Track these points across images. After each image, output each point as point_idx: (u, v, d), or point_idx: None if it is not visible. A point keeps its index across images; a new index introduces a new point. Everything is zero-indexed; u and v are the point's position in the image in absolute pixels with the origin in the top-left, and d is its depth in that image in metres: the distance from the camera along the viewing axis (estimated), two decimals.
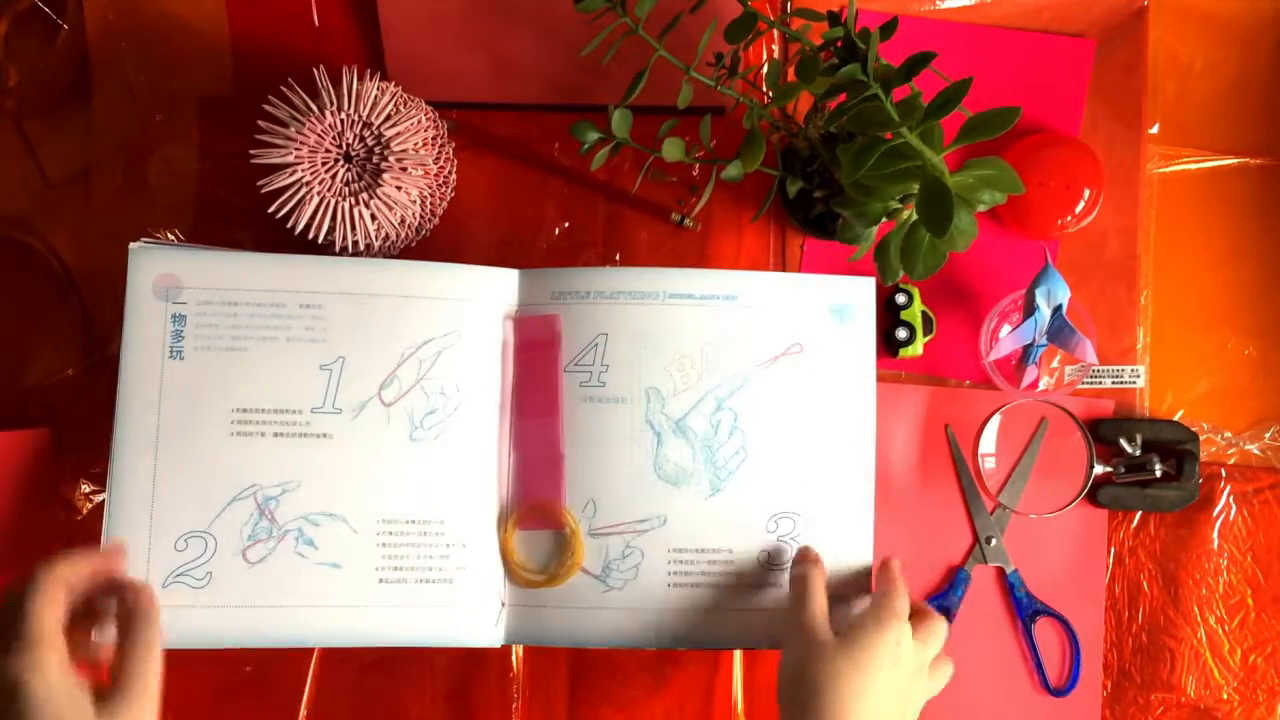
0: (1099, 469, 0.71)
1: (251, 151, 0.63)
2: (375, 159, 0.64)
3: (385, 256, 0.68)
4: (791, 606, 0.61)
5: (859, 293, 0.66)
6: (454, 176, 0.72)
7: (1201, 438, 0.73)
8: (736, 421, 0.64)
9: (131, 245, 0.61)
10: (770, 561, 0.64)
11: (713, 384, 0.64)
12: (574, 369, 0.64)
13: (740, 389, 0.64)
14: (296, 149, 0.63)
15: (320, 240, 0.64)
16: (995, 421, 0.73)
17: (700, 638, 0.64)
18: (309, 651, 0.71)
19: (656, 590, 0.63)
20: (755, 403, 0.64)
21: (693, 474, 0.64)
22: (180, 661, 0.70)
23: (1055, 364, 0.74)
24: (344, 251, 0.65)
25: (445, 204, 0.71)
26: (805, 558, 0.63)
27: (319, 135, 0.63)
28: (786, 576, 0.64)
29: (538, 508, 0.64)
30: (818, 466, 0.65)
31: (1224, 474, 0.74)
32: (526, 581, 0.63)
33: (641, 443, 0.64)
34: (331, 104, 0.63)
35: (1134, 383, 0.74)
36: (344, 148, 0.64)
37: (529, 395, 0.64)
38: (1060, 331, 0.69)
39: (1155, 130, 0.75)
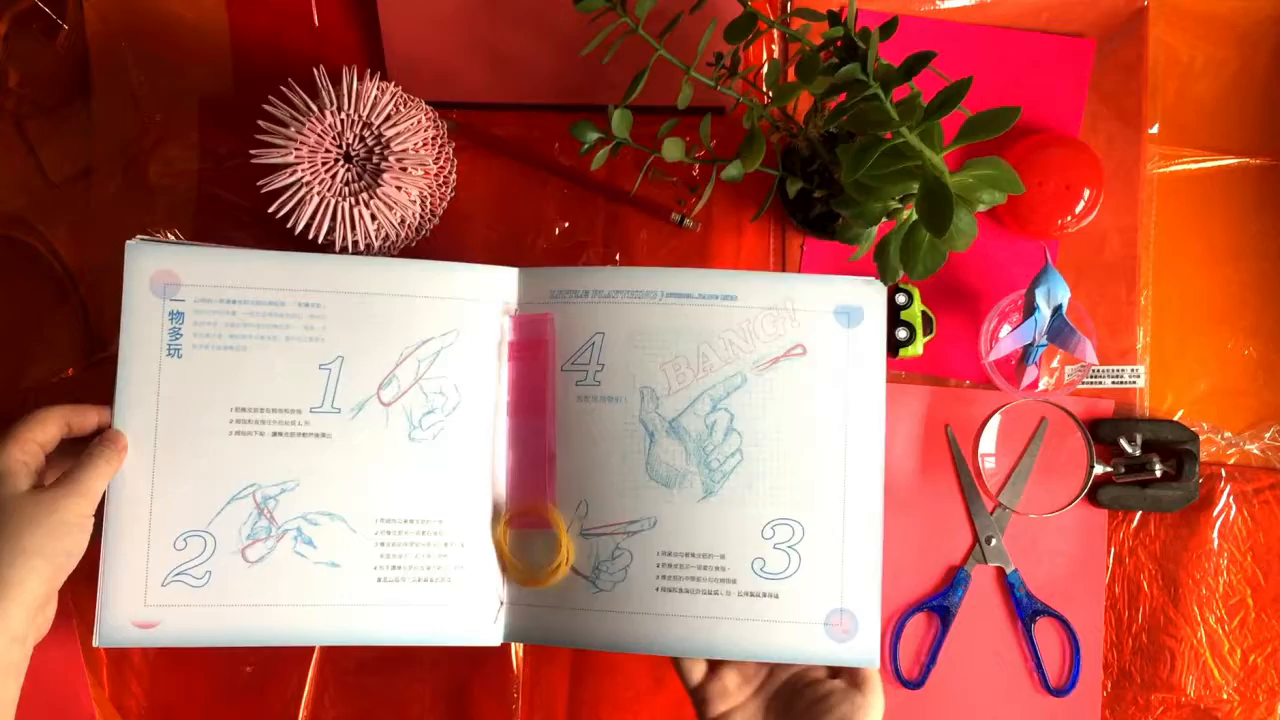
0: (1099, 469, 0.71)
1: (251, 151, 0.63)
2: (375, 159, 0.64)
3: (385, 256, 0.68)
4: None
5: (867, 295, 0.63)
6: (454, 176, 0.72)
7: (1201, 438, 0.73)
8: (733, 423, 0.63)
9: (129, 242, 0.61)
10: (765, 571, 0.62)
11: (709, 384, 0.63)
12: (570, 368, 0.64)
13: (738, 390, 0.63)
14: (296, 149, 0.63)
15: (320, 240, 0.64)
16: (995, 421, 0.73)
17: (687, 647, 0.61)
18: (309, 651, 0.71)
19: (644, 594, 0.62)
20: (754, 405, 0.63)
21: (685, 475, 0.62)
22: (180, 661, 0.71)
23: (1055, 364, 0.74)
24: (344, 251, 0.65)
25: (445, 204, 0.71)
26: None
27: (319, 135, 0.63)
28: (782, 588, 0.62)
29: (528, 507, 0.63)
30: (821, 475, 0.62)
31: (1224, 474, 0.74)
32: (519, 580, 0.63)
33: (635, 442, 0.63)
34: (331, 104, 0.63)
35: (1134, 383, 0.74)
36: (344, 148, 0.64)
37: (522, 394, 0.64)
38: (1060, 331, 0.69)
39: (1155, 130, 0.75)
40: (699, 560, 0.62)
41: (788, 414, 0.63)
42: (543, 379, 0.64)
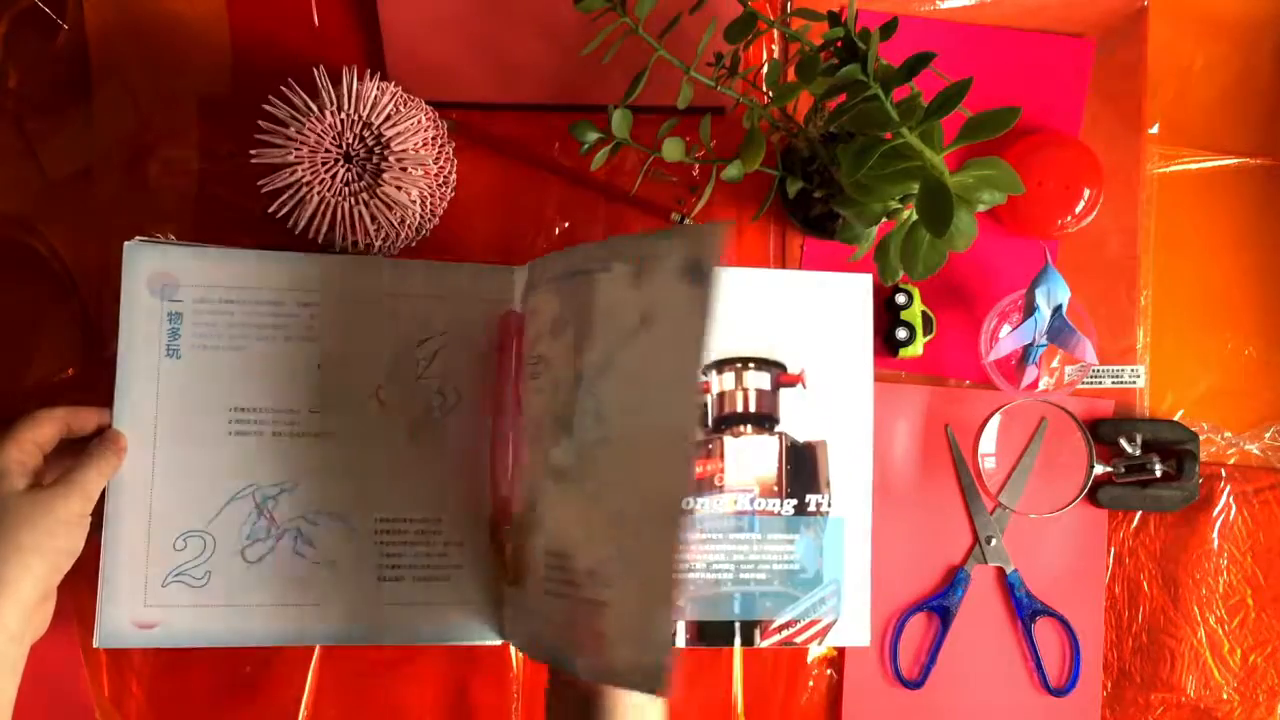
0: (1099, 469, 0.71)
1: (251, 151, 0.63)
2: (375, 159, 0.64)
3: (385, 256, 0.68)
4: None
5: (710, 245, 0.50)
6: (454, 176, 0.72)
7: (1201, 438, 0.73)
8: (599, 409, 0.54)
9: (127, 243, 0.61)
10: (596, 576, 0.53)
11: (585, 366, 0.56)
12: (528, 362, 0.61)
13: (604, 369, 0.54)
14: (296, 149, 0.63)
15: (320, 240, 0.64)
16: (995, 421, 0.73)
17: (554, 655, 0.55)
18: (309, 651, 0.71)
19: (534, 594, 0.57)
20: (613, 386, 0.54)
21: (566, 469, 0.56)
22: (180, 661, 0.70)
23: (1055, 364, 0.74)
24: (344, 251, 0.65)
25: (445, 204, 0.71)
26: None
27: (319, 135, 0.63)
28: (611, 597, 0.52)
29: (502, 506, 0.64)
30: (655, 465, 0.51)
31: (1224, 474, 0.74)
32: (508, 580, 0.63)
33: (547, 435, 0.58)
34: (331, 104, 0.63)
35: (1134, 383, 0.74)
36: (344, 148, 0.64)
37: (503, 393, 0.64)
38: (1060, 331, 0.69)
39: (1155, 130, 0.75)
40: (561, 561, 0.56)
41: (636, 394, 0.52)
42: (507, 375, 0.64)
